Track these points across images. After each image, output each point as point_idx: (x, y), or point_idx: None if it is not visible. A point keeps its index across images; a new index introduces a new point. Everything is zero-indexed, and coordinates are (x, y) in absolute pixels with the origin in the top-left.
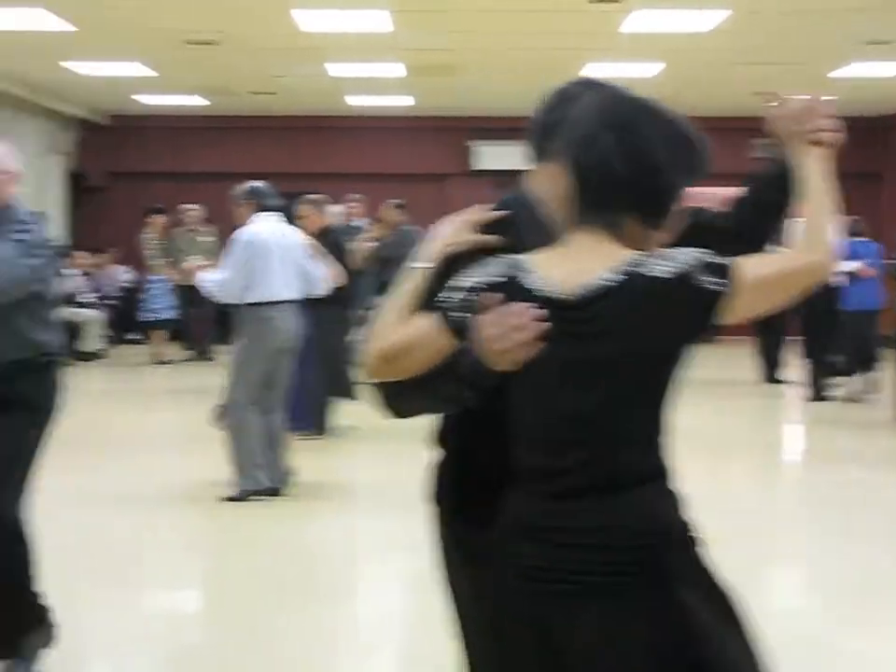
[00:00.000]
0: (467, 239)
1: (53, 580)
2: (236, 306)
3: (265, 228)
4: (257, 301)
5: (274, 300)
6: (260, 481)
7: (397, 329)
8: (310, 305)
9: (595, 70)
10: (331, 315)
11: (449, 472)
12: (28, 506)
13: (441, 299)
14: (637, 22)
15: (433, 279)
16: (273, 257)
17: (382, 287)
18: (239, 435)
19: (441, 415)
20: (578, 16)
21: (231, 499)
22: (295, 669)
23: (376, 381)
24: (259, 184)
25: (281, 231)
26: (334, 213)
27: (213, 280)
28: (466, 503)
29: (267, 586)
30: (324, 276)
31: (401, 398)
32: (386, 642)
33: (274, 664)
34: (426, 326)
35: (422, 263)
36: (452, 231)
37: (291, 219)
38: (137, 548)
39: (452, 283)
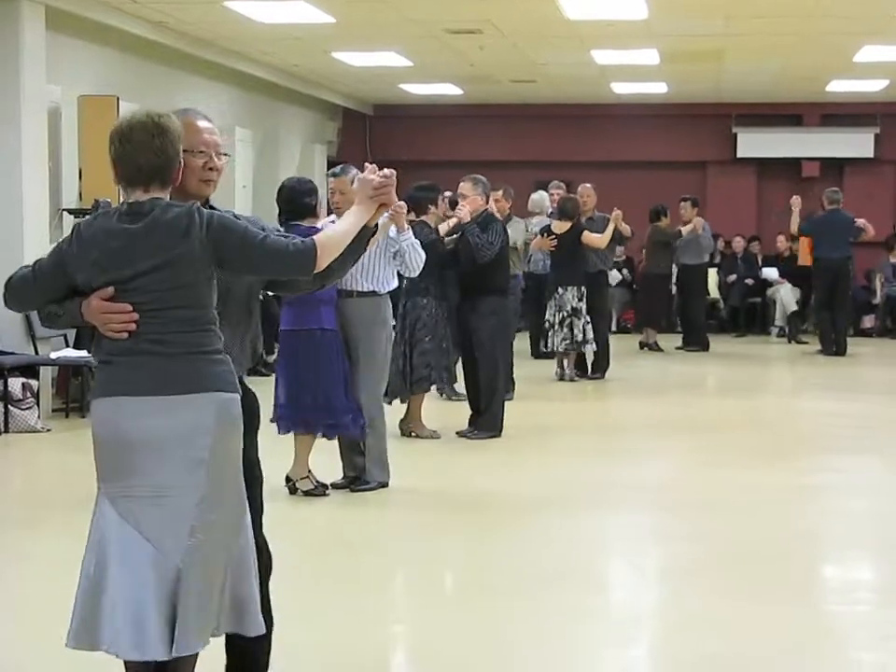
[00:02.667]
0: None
1: None
2: None
3: None
4: None
5: None
6: (388, 472)
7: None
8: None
9: (870, 54)
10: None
11: None
12: None
13: None
14: None
15: None
16: None
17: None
18: (379, 428)
19: None
20: None
21: (360, 489)
22: (555, 650)
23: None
24: None
25: None
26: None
27: None
28: None
29: (533, 571)
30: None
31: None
32: (643, 637)
33: (534, 641)
34: None
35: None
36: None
37: None
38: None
39: None
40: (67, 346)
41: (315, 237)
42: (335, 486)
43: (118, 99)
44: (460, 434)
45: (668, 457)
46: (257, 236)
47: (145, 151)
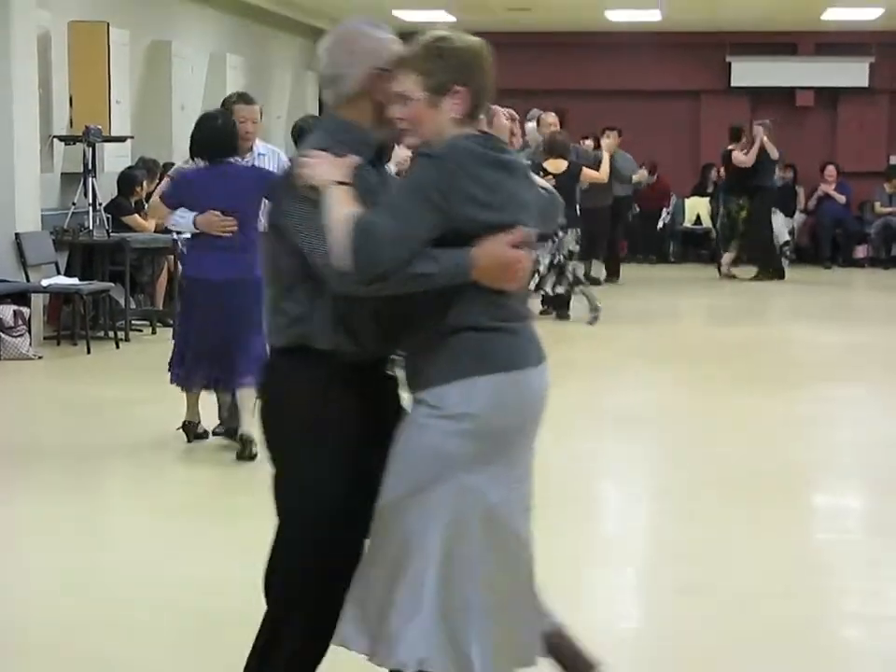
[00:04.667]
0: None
1: None
2: None
3: None
4: None
5: None
6: None
7: None
8: None
9: None
10: None
11: None
12: None
13: None
14: None
15: None
16: None
17: None
18: None
19: None
20: None
21: None
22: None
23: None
24: None
25: None
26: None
27: None
28: None
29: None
30: None
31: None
32: (632, 560)
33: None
34: None
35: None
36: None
37: None
38: None
39: None
40: (59, 274)
41: None
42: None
43: (108, 25)
44: None
45: (657, 384)
46: None
47: None
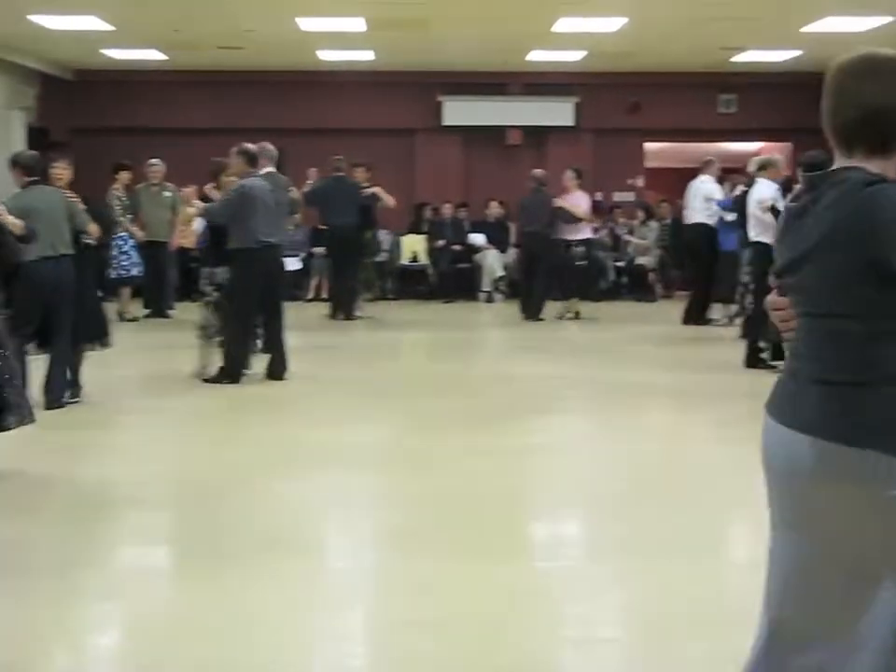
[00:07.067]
0: None
1: None
2: None
3: None
4: None
5: None
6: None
7: None
8: None
9: (565, 25)
10: None
11: None
12: None
13: None
14: None
15: None
16: None
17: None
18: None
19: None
20: None
21: None
22: (264, 621)
23: None
24: None
25: None
26: None
27: None
28: None
29: (248, 538)
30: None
31: None
32: (358, 599)
33: (241, 615)
34: None
35: None
36: None
37: None
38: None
39: None
40: None
41: None
42: None
43: None
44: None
45: (382, 421)
46: None
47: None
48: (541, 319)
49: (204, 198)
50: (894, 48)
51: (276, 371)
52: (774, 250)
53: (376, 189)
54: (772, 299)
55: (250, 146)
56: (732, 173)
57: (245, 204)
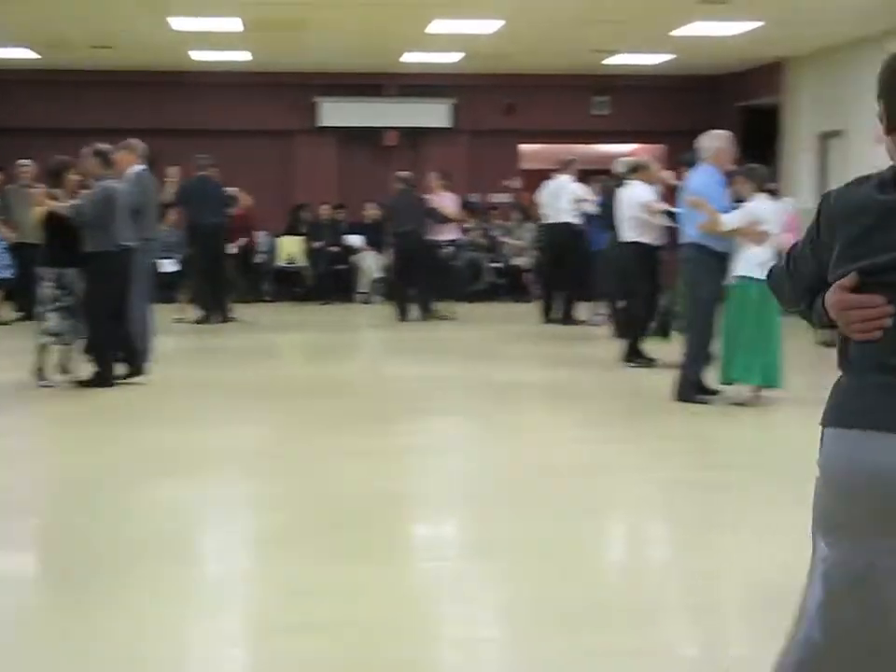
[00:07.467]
0: None
1: None
2: None
3: None
4: None
5: None
6: None
7: None
8: None
9: (440, 27)
10: None
11: None
12: None
13: None
14: None
15: None
16: None
17: None
18: None
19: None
20: None
21: None
22: (138, 629)
23: None
24: None
25: None
26: None
27: None
28: None
29: (116, 545)
30: None
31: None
32: (235, 604)
33: (122, 620)
34: None
35: None
36: None
37: None
38: None
39: None
40: None
41: None
42: None
43: None
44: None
45: (258, 423)
46: None
47: None
48: (428, 319)
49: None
50: (765, 52)
51: (134, 370)
52: (655, 249)
53: (233, 190)
54: (848, 297)
55: (105, 146)
56: (598, 174)
57: (108, 206)
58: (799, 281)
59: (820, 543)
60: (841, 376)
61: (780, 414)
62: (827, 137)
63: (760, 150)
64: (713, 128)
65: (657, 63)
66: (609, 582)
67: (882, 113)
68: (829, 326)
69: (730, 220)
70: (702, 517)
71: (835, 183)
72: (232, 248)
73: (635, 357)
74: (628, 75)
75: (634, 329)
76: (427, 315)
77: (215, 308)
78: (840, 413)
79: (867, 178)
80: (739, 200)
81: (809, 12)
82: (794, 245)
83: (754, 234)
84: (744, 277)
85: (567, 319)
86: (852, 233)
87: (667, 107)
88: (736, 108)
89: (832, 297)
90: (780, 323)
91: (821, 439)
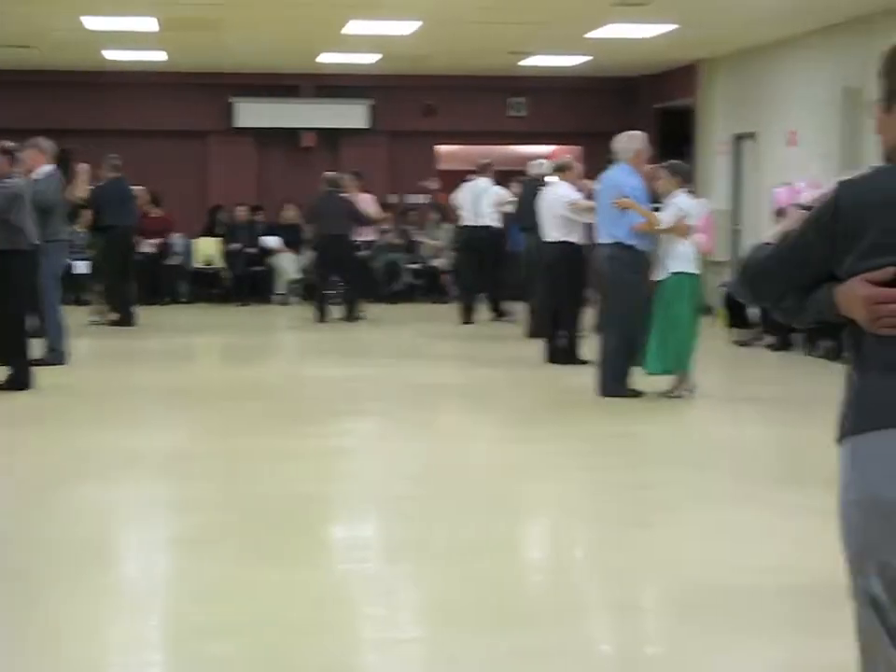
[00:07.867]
0: None
1: None
2: None
3: None
4: None
5: None
6: None
7: None
8: None
9: (356, 28)
10: None
11: None
12: None
13: None
14: None
15: None
16: None
17: None
18: None
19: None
20: None
21: None
22: (55, 634)
23: None
24: None
25: None
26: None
27: None
28: None
29: (32, 548)
30: None
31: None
32: (154, 607)
33: (38, 624)
34: None
35: None
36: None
37: None
38: None
39: None
40: None
41: None
42: None
43: None
44: None
45: (176, 426)
46: None
47: None
48: (354, 321)
49: None
50: (680, 54)
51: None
52: (580, 248)
53: (139, 189)
54: (880, 291)
55: (11, 144)
56: (515, 175)
57: (14, 205)
58: (789, 272)
59: (872, 580)
60: (853, 378)
61: (697, 411)
62: (741, 139)
63: (675, 152)
64: (629, 129)
65: (573, 64)
66: (529, 582)
67: (884, 92)
68: (825, 321)
69: (665, 219)
70: (621, 515)
71: (749, 185)
72: (147, 249)
73: (568, 356)
74: (544, 76)
75: (567, 328)
76: (353, 316)
77: (124, 309)
78: (869, 416)
79: (894, 168)
80: (657, 199)
81: (724, 15)
82: (780, 237)
83: (682, 229)
84: (681, 273)
85: (500, 315)
86: (893, 222)
87: (584, 109)
88: (653, 110)
89: (858, 290)
90: (697, 315)
91: (847, 456)
